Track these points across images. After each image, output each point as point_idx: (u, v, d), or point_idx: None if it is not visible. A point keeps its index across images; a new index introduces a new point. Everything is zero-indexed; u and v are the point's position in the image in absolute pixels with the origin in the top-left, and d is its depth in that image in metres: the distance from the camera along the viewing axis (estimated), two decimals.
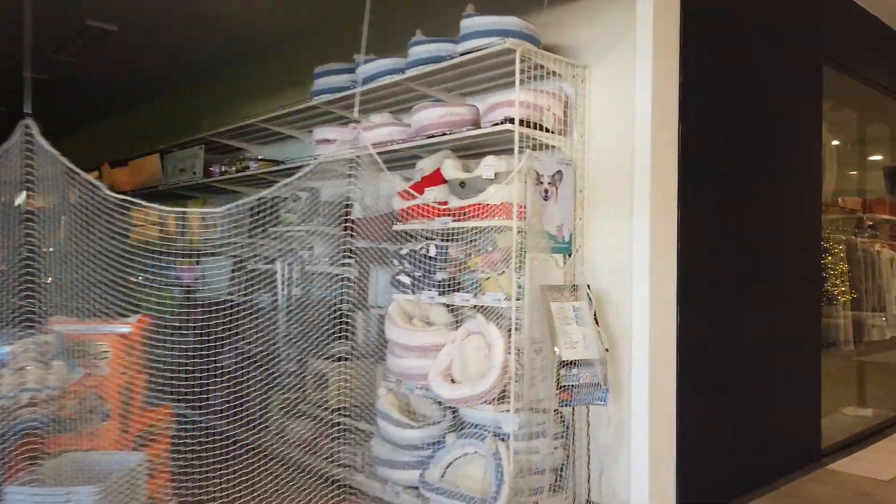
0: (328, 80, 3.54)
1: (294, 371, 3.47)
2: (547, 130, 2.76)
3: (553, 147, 2.81)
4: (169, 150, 4.96)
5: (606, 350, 2.64)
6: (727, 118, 3.07)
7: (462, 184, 2.78)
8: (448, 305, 2.95)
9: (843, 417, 4.63)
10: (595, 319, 2.66)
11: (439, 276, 2.90)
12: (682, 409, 2.73)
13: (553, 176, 2.73)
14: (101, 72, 5.56)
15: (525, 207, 2.63)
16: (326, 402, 3.38)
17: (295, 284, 3.60)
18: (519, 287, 2.60)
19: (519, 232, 2.61)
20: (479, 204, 2.71)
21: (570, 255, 2.78)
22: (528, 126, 2.67)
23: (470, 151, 3.08)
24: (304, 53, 4.51)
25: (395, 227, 3.09)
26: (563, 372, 2.52)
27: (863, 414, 4.67)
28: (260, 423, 3.46)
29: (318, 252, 3.65)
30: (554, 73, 2.82)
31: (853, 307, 4.82)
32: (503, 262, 2.68)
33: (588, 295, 2.67)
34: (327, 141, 3.57)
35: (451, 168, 2.84)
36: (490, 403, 2.57)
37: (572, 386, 2.53)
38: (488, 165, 2.71)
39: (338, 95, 3.43)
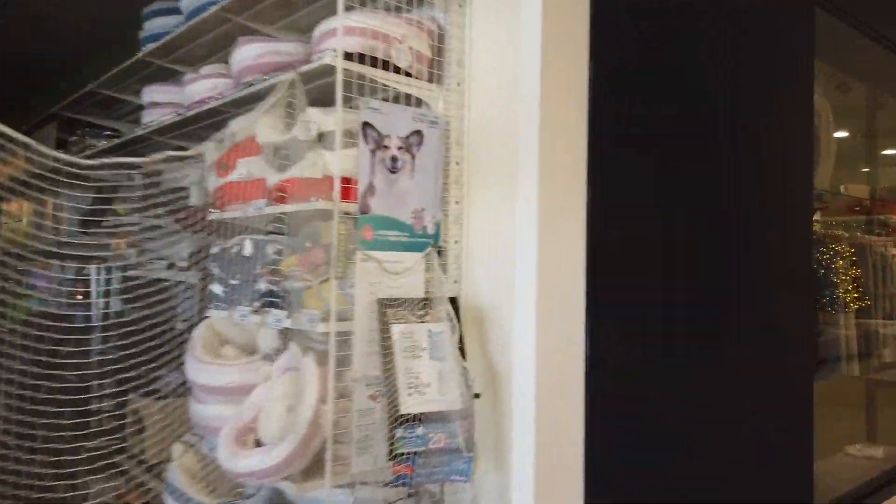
0: (158, 24, 2.69)
1: (108, 411, 2.62)
2: (398, 71, 1.89)
3: (415, 99, 1.95)
4: (30, 130, 4.13)
5: (476, 396, 1.76)
6: (670, 60, 2.19)
7: (276, 150, 1.92)
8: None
9: (848, 459, 3.72)
10: (461, 349, 1.78)
11: (261, 285, 2.03)
12: (595, 479, 1.84)
13: (407, 138, 1.86)
14: None
15: (358, 182, 1.77)
16: (143, 453, 2.53)
17: (114, 295, 2.75)
18: (348, 301, 1.74)
19: (345, 219, 1.74)
20: (295, 178, 1.85)
21: (436, 254, 1.90)
22: (366, 63, 1.81)
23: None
24: None
25: (210, 217, 2.23)
26: (400, 432, 1.64)
27: (872, 454, 3.75)
28: (65, 479, 2.62)
29: (150, 252, 2.80)
30: None
31: (864, 318, 3.92)
32: (328, 264, 1.81)
33: (450, 314, 1.79)
34: (156, 104, 2.73)
35: (267, 129, 1.98)
36: (293, 480, 1.70)
37: (415, 454, 1.65)
38: (308, 122, 1.85)
39: (160, 42, 2.57)
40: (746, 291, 2.41)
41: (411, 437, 1.64)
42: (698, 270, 2.23)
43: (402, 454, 1.63)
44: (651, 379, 2.04)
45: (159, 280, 2.70)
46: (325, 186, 1.76)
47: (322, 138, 1.84)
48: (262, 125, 1.98)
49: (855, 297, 3.74)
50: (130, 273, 2.75)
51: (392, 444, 1.63)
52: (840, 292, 3.50)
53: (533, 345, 1.72)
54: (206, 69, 2.44)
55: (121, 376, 2.59)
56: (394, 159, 1.83)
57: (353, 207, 1.75)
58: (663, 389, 2.08)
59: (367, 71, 1.81)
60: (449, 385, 1.72)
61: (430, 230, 1.91)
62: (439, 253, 1.94)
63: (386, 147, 1.82)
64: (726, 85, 2.37)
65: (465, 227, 2.00)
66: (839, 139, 4.30)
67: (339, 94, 1.73)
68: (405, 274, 1.79)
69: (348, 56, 1.78)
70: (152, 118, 2.67)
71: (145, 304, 2.65)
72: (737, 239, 2.39)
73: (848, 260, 3.71)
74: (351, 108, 1.77)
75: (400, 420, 1.64)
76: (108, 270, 2.80)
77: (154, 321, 2.57)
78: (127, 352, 2.54)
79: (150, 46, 2.64)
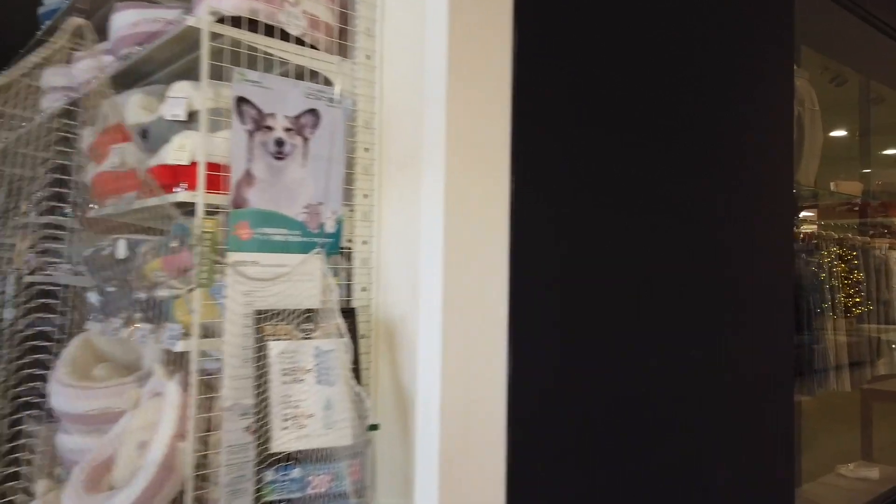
0: None
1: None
2: (287, 38, 1.59)
3: (310, 72, 1.65)
4: None
5: (373, 427, 1.46)
6: (619, 22, 1.89)
7: (144, 133, 1.62)
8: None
9: (841, 481, 3.40)
10: (355, 371, 1.48)
11: (140, 293, 1.73)
12: None
13: (297, 118, 1.56)
14: None
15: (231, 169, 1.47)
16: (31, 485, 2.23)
17: (9, 304, 2.44)
18: (217, 314, 1.44)
19: (213, 213, 1.44)
20: (159, 165, 1.55)
21: (325, 257, 1.60)
22: (245, 28, 1.51)
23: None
24: None
25: (90, 213, 1.94)
26: (270, 475, 1.34)
27: (868, 475, 3.43)
28: None
29: (51, 255, 2.49)
30: None
31: (859, 324, 3.62)
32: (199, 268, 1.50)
33: (341, 328, 1.49)
34: (54, 89, 2.43)
35: (136, 108, 1.68)
36: None
37: (288, 502, 1.34)
38: (176, 98, 1.55)
39: (52, 21, 2.28)
40: (712, 296, 2.11)
41: (284, 481, 1.34)
42: (654, 269, 1.92)
43: (272, 502, 1.33)
44: (594, 402, 1.73)
45: (57, 285, 2.40)
46: (193, 174, 1.46)
47: (194, 118, 1.54)
48: (131, 104, 1.68)
49: (853, 303, 3.45)
50: (27, 279, 2.45)
51: (259, 489, 1.32)
52: (833, 298, 3.20)
53: (438, 363, 1.42)
54: (98, 46, 2.15)
55: (14, 396, 2.30)
56: (279, 143, 1.52)
57: (221, 199, 1.45)
58: (610, 414, 1.77)
59: (246, 37, 1.51)
60: (338, 415, 1.41)
61: (330, 228, 1.60)
62: (343, 255, 1.64)
63: (269, 128, 1.52)
64: (684, 54, 2.07)
65: (376, 224, 1.70)
66: (834, 137, 4.00)
67: (205, 61, 1.43)
68: (286, 280, 1.48)
69: (222, 20, 1.49)
70: (49, 104, 2.37)
71: (42, 314, 2.36)
72: (703, 237, 2.09)
73: (839, 263, 3.42)
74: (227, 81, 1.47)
75: (270, 460, 1.34)
76: (2, 276, 2.49)
77: (50, 332, 2.29)
78: (21, 369, 2.26)
79: (46, 24, 2.34)
